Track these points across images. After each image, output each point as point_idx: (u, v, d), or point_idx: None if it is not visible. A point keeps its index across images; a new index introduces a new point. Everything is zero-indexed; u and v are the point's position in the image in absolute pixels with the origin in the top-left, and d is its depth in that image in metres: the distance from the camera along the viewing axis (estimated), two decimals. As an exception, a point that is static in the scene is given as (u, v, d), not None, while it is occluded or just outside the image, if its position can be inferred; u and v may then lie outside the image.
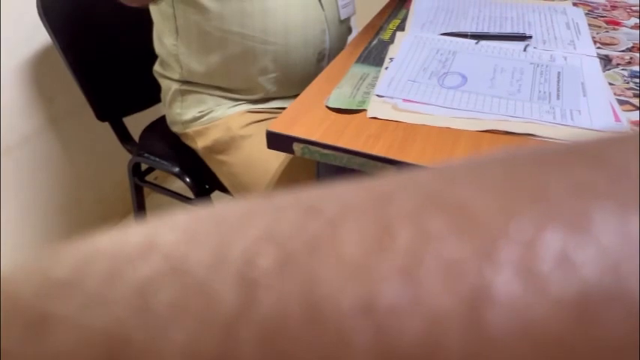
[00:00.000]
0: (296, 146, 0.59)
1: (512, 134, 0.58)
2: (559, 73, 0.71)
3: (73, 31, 0.97)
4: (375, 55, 0.77)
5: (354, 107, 0.64)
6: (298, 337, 0.08)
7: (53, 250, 0.11)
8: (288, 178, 0.83)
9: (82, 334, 0.09)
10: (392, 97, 0.65)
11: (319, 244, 0.09)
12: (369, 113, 0.62)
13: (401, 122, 0.61)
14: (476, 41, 0.79)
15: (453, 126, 0.60)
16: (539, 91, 0.66)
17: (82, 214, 1.33)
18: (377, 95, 0.65)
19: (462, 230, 0.08)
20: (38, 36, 1.07)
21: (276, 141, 0.60)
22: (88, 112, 1.06)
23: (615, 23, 0.87)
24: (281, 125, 0.61)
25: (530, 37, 0.80)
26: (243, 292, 0.08)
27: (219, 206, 0.11)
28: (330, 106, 0.64)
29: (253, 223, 0.10)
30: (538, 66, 0.72)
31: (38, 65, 1.11)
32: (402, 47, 0.78)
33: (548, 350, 0.07)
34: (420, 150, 0.56)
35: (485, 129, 0.59)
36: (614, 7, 0.94)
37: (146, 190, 1.17)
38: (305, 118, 0.62)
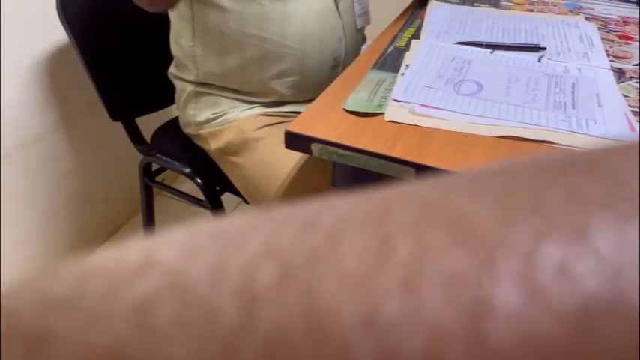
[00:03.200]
0: (314, 147, 0.60)
1: (529, 141, 0.59)
2: (573, 83, 0.71)
3: (90, 30, 0.99)
4: (391, 61, 0.78)
5: (372, 110, 0.64)
6: (299, 351, 0.08)
7: (51, 269, 0.11)
8: (302, 181, 0.84)
9: (82, 352, 0.09)
10: (409, 102, 0.66)
11: (319, 258, 0.09)
12: (387, 117, 0.63)
13: (418, 126, 0.61)
14: (490, 51, 0.80)
15: (471, 131, 0.60)
16: (555, 101, 0.67)
17: (90, 214, 1.33)
18: (394, 100, 0.66)
19: (461, 242, 0.08)
20: (55, 35, 1.08)
21: (295, 141, 0.61)
22: (99, 114, 1.07)
23: (628, 38, 0.88)
24: (300, 126, 0.61)
25: (545, 48, 0.81)
26: (244, 307, 0.08)
27: (218, 221, 0.11)
28: (348, 108, 0.65)
29: (252, 237, 0.10)
30: (552, 76, 0.73)
31: (53, 64, 1.13)
32: (418, 54, 0.79)
33: None
34: (438, 153, 0.57)
35: (502, 135, 0.60)
36: (625, 23, 0.95)
37: (155, 192, 1.18)
38: (323, 120, 0.63)
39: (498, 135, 0.60)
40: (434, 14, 0.95)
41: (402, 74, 0.73)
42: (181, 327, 0.09)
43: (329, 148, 0.59)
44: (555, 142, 0.58)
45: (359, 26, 0.93)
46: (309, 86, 0.89)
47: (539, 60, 0.78)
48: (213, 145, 0.93)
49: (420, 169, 0.56)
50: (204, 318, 0.09)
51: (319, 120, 0.63)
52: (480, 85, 0.70)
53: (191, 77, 0.92)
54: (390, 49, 0.81)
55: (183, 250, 0.10)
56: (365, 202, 0.10)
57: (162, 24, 0.94)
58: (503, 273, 0.08)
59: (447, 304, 0.08)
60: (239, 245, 0.10)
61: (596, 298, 0.08)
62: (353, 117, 0.64)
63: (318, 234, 0.09)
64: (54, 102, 1.16)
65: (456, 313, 0.08)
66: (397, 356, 0.08)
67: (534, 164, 0.10)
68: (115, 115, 1.05)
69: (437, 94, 0.68)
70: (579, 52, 0.81)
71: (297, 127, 0.61)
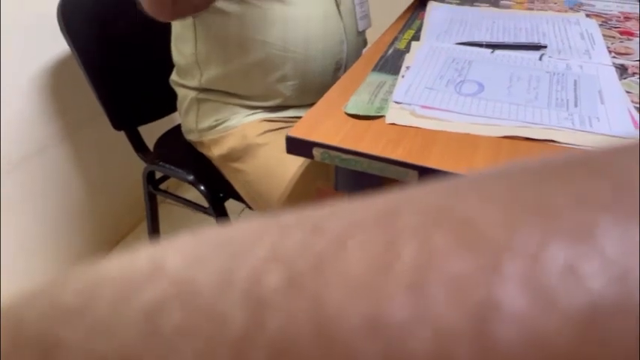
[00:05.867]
0: (316, 151, 0.60)
1: (531, 140, 0.59)
2: (575, 81, 0.71)
3: (91, 39, 0.99)
4: (391, 63, 0.77)
5: (373, 113, 0.64)
6: (307, 356, 0.08)
7: (60, 277, 0.11)
8: (305, 185, 0.84)
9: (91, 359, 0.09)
10: (410, 104, 0.65)
11: (325, 263, 0.09)
12: (388, 119, 0.63)
13: (420, 128, 0.61)
14: (491, 50, 0.80)
15: (472, 132, 0.60)
16: (557, 99, 0.66)
17: (95, 224, 1.33)
18: (395, 102, 0.66)
19: (467, 244, 0.08)
20: (55, 46, 1.09)
21: (296, 146, 0.61)
22: (102, 123, 1.07)
23: (629, 34, 0.87)
24: (301, 130, 0.61)
25: (545, 46, 0.81)
26: (251, 313, 0.08)
27: (225, 227, 0.11)
28: (349, 112, 0.64)
29: (259, 243, 0.10)
30: (554, 74, 0.73)
31: (55, 75, 1.13)
32: (418, 56, 0.78)
33: None
34: (440, 155, 0.57)
35: (504, 135, 0.59)
36: (627, 19, 0.94)
37: (159, 199, 1.18)
38: (324, 124, 0.63)
39: (501, 135, 0.59)
40: (433, 15, 0.95)
41: (403, 76, 0.73)
42: (189, 334, 0.09)
43: (331, 152, 0.59)
44: (558, 140, 0.58)
45: (360, 29, 0.93)
46: (312, 89, 0.89)
47: (540, 58, 0.77)
48: (215, 152, 0.93)
49: (423, 172, 0.55)
50: (212, 324, 0.09)
51: (320, 124, 0.63)
52: (481, 85, 0.70)
53: (193, 84, 0.92)
54: (390, 51, 0.81)
55: (191, 256, 0.10)
56: (370, 207, 0.10)
57: (162, 32, 0.94)
58: (509, 275, 0.08)
59: (454, 306, 0.08)
60: (246, 251, 0.10)
61: (603, 299, 0.07)
62: (354, 120, 0.63)
63: (324, 239, 0.09)
64: (56, 113, 1.16)
65: (462, 315, 0.08)
66: (405, 359, 0.08)
67: (540, 166, 0.10)
68: (117, 125, 1.06)
69: (438, 95, 0.67)
70: (580, 49, 0.81)
71: (297, 131, 0.61)
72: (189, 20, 0.86)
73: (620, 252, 0.08)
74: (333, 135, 0.60)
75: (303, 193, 0.84)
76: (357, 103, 0.66)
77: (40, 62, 1.10)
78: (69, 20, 0.96)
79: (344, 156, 0.58)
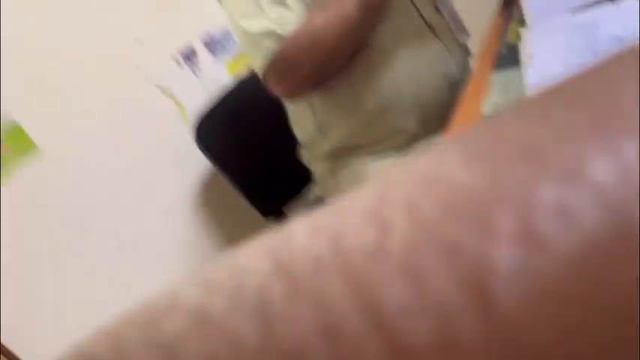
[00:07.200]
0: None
1: None
2: None
3: (226, 147, 1.10)
4: (508, 57, 0.74)
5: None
6: (317, 357, 0.08)
7: (91, 335, 0.11)
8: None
9: None
10: (552, 79, 0.61)
11: (324, 263, 0.09)
12: (535, 105, 0.59)
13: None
14: (613, 2, 0.73)
15: None
16: None
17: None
18: (532, 84, 0.62)
19: (455, 208, 0.08)
20: (198, 162, 1.22)
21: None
22: (250, 217, 1.15)
23: None
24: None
25: (677, -27, 0.72)
26: (261, 326, 0.09)
27: (233, 251, 0.11)
28: (490, 113, 0.62)
29: (264, 258, 0.10)
30: (703, -5, 0.64)
31: (202, 188, 1.26)
32: (535, 40, 0.74)
33: (564, 309, 0.07)
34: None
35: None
36: None
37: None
38: (469, 134, 0.61)
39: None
40: (530, -1, 0.91)
41: (529, 62, 0.69)
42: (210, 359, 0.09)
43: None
44: None
45: (460, 40, 0.92)
46: (432, 114, 0.89)
47: (676, -13, 0.69)
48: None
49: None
50: (229, 346, 0.09)
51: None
52: (620, 39, 0.64)
53: (321, 152, 0.96)
54: (502, 49, 0.79)
55: (205, 286, 0.10)
56: (364, 193, 0.10)
57: (280, 115, 1.01)
58: (501, 231, 0.08)
59: (450, 279, 0.07)
60: (252, 268, 0.10)
61: (599, 232, 0.07)
62: (499, 119, 0.61)
63: (321, 239, 0.09)
64: (212, 225, 1.28)
65: (460, 286, 0.07)
66: (411, 344, 0.07)
67: (519, 110, 0.10)
68: (266, 212, 1.13)
69: (578, 62, 0.62)
70: None
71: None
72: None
73: (612, 178, 0.07)
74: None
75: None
76: (493, 102, 0.64)
77: (188, 184, 1.24)
78: (205, 140, 1.08)
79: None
